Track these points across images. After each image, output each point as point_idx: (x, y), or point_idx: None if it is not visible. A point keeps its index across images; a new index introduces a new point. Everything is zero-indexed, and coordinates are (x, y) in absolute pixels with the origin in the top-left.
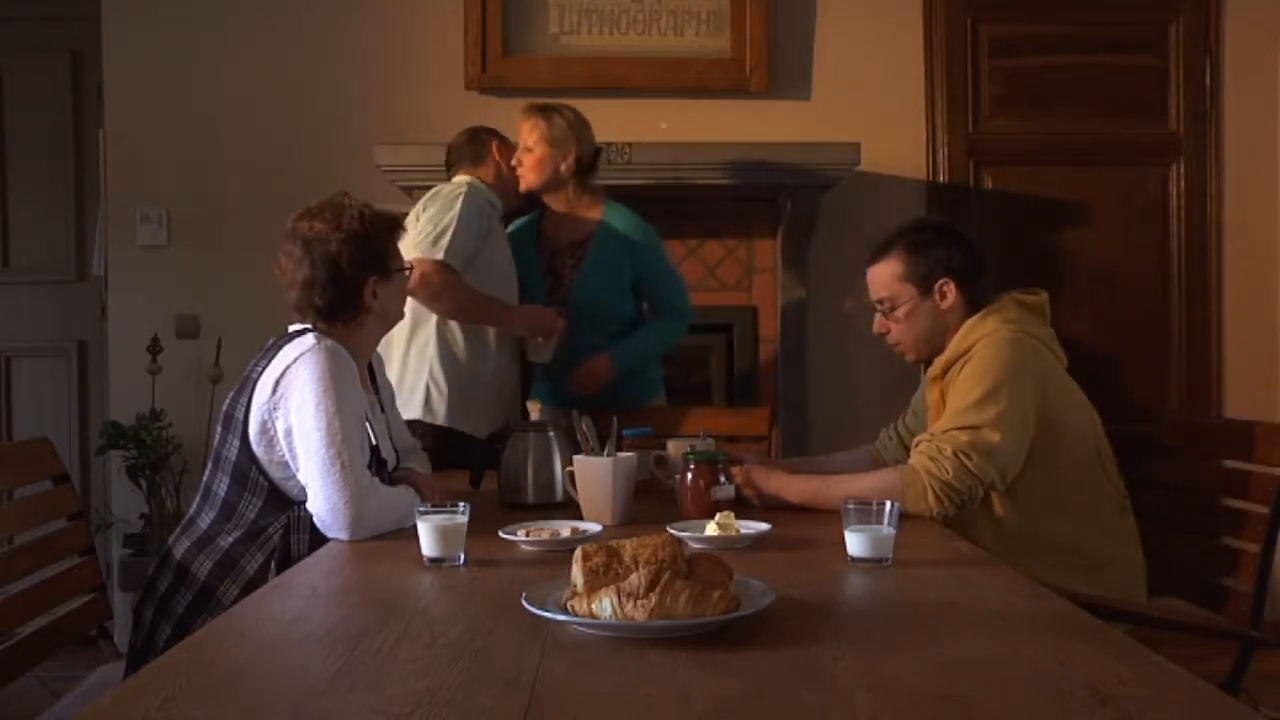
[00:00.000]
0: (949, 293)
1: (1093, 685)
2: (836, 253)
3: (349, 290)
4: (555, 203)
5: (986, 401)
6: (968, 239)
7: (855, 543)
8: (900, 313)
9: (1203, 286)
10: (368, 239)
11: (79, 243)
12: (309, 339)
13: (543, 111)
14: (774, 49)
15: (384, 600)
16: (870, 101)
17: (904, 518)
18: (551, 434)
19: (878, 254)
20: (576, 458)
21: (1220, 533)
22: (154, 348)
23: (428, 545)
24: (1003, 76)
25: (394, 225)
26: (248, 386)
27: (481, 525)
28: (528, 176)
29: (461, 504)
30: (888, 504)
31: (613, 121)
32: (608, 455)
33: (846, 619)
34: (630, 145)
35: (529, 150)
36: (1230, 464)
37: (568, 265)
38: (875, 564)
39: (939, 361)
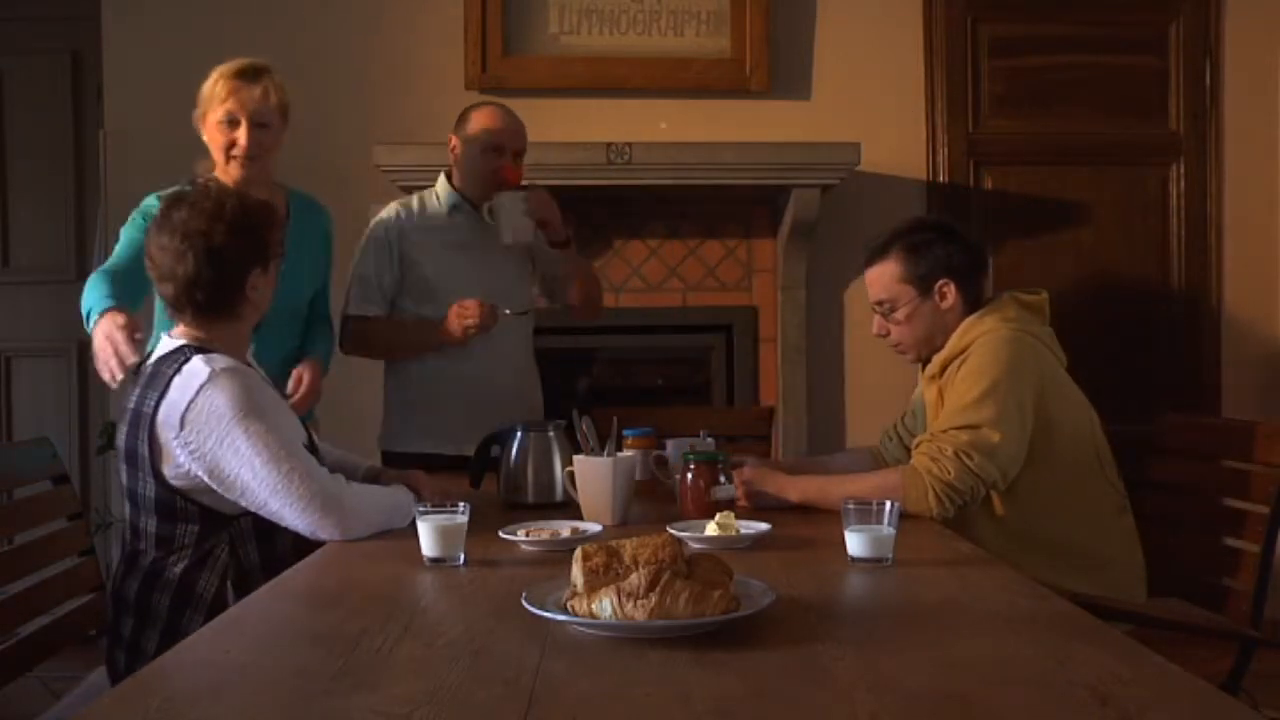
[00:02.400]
0: (949, 293)
1: (1093, 685)
2: (836, 253)
3: (231, 284)
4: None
5: (985, 400)
6: (966, 238)
7: (855, 543)
8: (900, 314)
9: (1203, 286)
10: (253, 229)
11: (79, 243)
12: (199, 366)
13: (268, 73)
14: (774, 49)
15: (384, 600)
16: (870, 101)
17: (904, 518)
18: (551, 434)
19: (875, 255)
20: (576, 458)
21: (1220, 533)
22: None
23: (428, 545)
24: (1003, 76)
25: (274, 213)
26: (143, 422)
27: (481, 525)
28: (265, 159)
29: (461, 504)
30: (888, 504)
31: (613, 121)
32: (608, 455)
33: (846, 619)
34: (630, 145)
35: (267, 126)
36: (1230, 464)
37: None
38: (875, 564)
39: (936, 359)
